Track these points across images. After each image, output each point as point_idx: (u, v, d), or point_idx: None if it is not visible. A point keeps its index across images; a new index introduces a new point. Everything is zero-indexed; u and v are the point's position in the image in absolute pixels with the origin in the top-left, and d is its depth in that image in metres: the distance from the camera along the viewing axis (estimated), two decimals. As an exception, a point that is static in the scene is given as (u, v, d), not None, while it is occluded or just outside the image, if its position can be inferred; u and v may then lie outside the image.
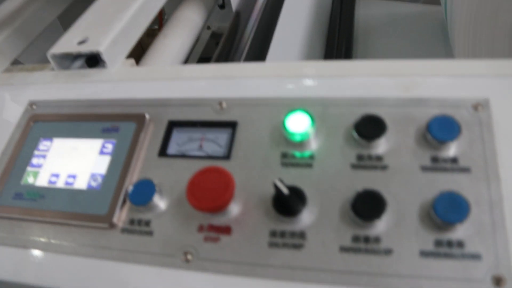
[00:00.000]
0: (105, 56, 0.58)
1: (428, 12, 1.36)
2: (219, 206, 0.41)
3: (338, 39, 1.26)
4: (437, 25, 1.27)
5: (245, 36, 0.77)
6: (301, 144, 0.45)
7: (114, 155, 0.49)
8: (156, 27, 1.08)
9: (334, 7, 1.38)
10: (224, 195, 0.40)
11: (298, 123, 0.45)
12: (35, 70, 0.65)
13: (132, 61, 0.62)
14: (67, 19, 0.90)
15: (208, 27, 1.27)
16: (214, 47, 1.20)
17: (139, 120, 0.50)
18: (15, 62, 0.75)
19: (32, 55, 0.87)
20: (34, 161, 0.52)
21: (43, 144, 0.53)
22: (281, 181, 0.40)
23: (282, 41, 0.86)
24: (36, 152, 0.53)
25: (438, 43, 1.22)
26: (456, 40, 0.94)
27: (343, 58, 1.17)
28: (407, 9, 1.40)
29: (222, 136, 0.48)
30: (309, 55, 1.08)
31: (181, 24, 0.79)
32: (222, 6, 1.03)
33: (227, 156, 0.46)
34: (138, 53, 0.75)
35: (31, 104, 0.57)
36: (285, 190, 0.40)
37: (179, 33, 0.77)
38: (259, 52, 0.75)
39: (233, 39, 0.77)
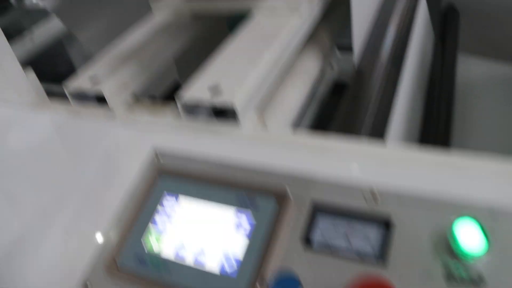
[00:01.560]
0: (239, 112, 0.54)
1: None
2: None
3: (438, 100, 1.19)
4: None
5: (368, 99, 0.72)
6: (470, 259, 0.39)
7: (253, 237, 0.44)
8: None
9: (435, 65, 1.31)
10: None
11: (469, 236, 0.39)
12: (156, 109, 0.62)
13: (262, 117, 0.58)
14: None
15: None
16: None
17: (279, 198, 0.46)
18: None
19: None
20: (157, 218, 0.48)
21: (167, 199, 0.49)
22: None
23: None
24: (159, 208, 0.49)
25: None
26: None
27: (443, 123, 1.09)
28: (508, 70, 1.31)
29: (372, 231, 0.43)
30: (410, 119, 1.01)
31: (300, 74, 0.75)
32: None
33: (382, 261, 0.41)
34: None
35: (157, 154, 0.53)
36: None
37: (298, 84, 0.73)
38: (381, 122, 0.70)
39: (357, 103, 0.72)
